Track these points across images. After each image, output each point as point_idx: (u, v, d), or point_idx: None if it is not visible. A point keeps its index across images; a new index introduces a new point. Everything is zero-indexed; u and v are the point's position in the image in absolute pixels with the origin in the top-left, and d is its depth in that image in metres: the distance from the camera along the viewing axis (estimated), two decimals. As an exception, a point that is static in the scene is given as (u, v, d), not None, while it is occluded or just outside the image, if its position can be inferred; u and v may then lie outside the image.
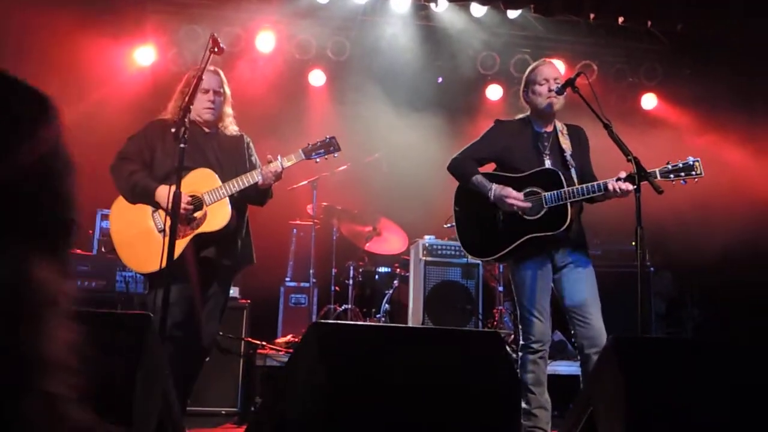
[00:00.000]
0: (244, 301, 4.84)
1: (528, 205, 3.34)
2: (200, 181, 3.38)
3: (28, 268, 0.92)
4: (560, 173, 3.34)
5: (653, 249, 5.93)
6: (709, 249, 5.39)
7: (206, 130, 3.55)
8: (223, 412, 4.48)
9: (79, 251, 4.76)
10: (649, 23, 6.38)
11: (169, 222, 3.05)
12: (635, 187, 3.07)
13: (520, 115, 3.63)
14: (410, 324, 5.61)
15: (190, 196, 3.33)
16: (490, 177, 3.49)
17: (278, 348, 4.97)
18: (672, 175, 3.18)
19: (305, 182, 5.55)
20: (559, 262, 3.40)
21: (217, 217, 3.35)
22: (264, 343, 4.86)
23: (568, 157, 3.43)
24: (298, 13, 6.24)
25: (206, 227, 3.34)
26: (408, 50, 6.49)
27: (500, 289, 5.77)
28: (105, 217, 5.12)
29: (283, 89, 6.59)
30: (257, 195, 3.55)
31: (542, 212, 3.34)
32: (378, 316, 5.95)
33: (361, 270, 6.11)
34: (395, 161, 6.17)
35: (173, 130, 3.04)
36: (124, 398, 1.89)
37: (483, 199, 3.44)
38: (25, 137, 0.96)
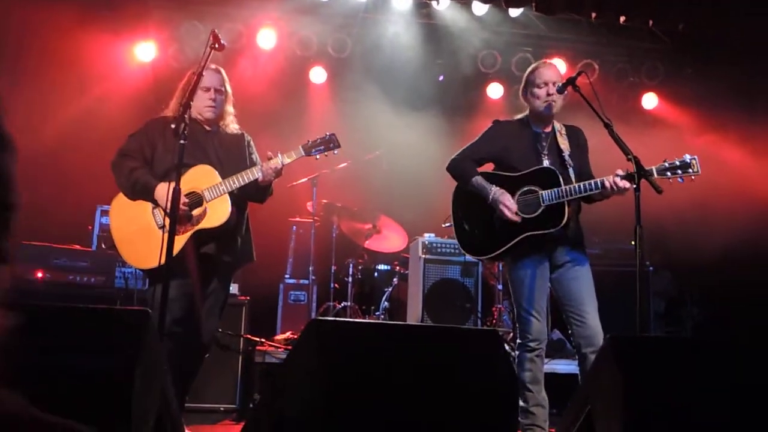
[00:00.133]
0: (243, 297, 4.84)
1: (517, 219, 3.33)
2: (200, 177, 3.38)
3: None
4: (558, 172, 3.35)
5: (653, 248, 5.93)
6: (708, 248, 5.39)
7: (207, 128, 3.55)
8: (222, 409, 4.49)
9: (78, 247, 4.76)
10: (651, 22, 6.37)
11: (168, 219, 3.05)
12: (634, 186, 3.07)
13: (519, 115, 3.62)
14: (409, 321, 5.61)
15: (189, 194, 3.34)
16: (489, 176, 3.49)
17: (277, 345, 4.97)
18: (669, 173, 3.17)
19: (305, 179, 5.55)
20: (556, 261, 3.40)
21: (217, 213, 3.35)
22: (263, 339, 4.86)
23: (567, 157, 3.43)
24: (300, 10, 6.25)
25: (206, 223, 3.35)
26: (409, 48, 6.48)
27: (499, 287, 5.77)
28: (105, 213, 5.12)
29: (284, 86, 6.59)
30: (257, 192, 3.55)
31: (539, 210, 3.34)
32: (377, 313, 5.95)
33: (360, 267, 6.11)
34: (395, 159, 6.18)
35: (173, 126, 3.04)
36: (123, 394, 1.90)
37: (481, 199, 3.44)
38: None
